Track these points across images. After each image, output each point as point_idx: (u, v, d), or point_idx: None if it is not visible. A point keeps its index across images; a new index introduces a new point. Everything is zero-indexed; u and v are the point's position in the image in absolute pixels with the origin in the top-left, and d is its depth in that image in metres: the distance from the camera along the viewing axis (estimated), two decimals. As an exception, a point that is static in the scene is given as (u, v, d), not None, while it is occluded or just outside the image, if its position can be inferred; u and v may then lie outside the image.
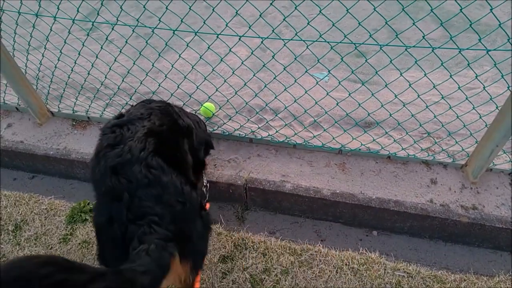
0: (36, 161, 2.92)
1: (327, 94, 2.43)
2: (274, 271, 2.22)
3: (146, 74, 2.65)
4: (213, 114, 2.91)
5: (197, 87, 2.64)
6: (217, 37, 2.21)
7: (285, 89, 2.49)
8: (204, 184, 2.27)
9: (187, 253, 1.43)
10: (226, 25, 2.22)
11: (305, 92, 2.42)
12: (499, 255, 2.35)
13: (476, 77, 2.13)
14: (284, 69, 2.38)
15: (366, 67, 2.88)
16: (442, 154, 2.55)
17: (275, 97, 2.57)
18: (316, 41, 2.14)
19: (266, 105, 2.69)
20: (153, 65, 2.60)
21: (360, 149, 2.60)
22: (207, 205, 2.16)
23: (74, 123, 3.05)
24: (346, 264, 2.25)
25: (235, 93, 2.63)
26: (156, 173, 1.41)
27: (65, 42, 2.57)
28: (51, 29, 2.55)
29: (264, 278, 2.19)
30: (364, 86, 2.53)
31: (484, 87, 2.14)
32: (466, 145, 2.46)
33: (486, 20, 2.09)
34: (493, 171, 2.47)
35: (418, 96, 2.27)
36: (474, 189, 2.41)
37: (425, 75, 2.15)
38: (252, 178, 2.56)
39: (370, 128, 2.77)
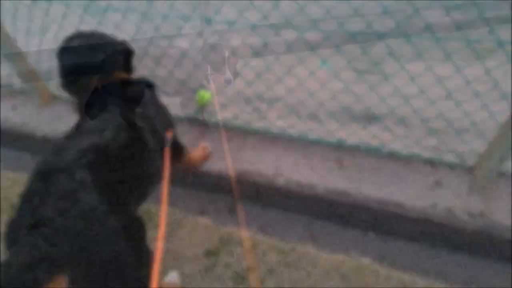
0: (37, 142, 2.92)
1: (324, 86, 2.25)
2: (259, 270, 2.13)
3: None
4: (207, 102, 2.80)
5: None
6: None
7: (280, 80, 2.33)
8: None
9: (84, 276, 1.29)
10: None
11: (301, 83, 2.25)
12: (506, 268, 2.15)
13: (489, 72, 1.89)
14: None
15: (373, 54, 2.65)
16: (449, 153, 2.33)
17: (271, 88, 2.42)
18: (309, 30, 1.97)
19: (262, 95, 2.54)
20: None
21: (359, 145, 2.42)
22: None
23: (75, 106, 3.02)
24: (335, 269, 2.12)
25: (229, 81, 2.50)
26: (76, 187, 1.27)
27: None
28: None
29: (248, 276, 2.10)
30: (368, 77, 2.33)
31: (497, 84, 1.90)
32: (476, 145, 2.23)
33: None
34: (505, 176, 2.24)
35: (423, 91, 2.06)
36: (482, 194, 2.20)
37: (431, 69, 1.93)
38: (244, 171, 2.45)
39: (371, 123, 2.57)
